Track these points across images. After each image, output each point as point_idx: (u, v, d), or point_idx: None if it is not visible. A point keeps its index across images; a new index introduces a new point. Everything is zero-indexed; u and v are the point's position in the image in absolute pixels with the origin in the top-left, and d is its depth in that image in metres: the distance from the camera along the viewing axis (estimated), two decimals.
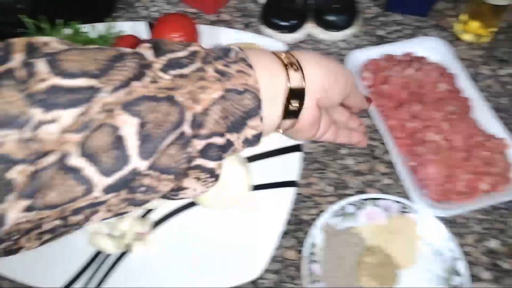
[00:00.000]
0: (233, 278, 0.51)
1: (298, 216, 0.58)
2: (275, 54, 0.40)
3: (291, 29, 0.73)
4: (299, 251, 0.55)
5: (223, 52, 0.37)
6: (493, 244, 0.56)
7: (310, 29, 0.74)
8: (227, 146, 0.36)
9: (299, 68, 0.39)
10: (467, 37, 0.74)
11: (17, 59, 0.28)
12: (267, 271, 0.54)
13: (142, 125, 0.30)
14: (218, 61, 0.35)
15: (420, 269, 0.53)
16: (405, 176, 0.58)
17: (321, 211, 0.57)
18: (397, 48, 0.70)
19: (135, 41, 0.66)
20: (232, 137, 0.36)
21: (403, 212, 0.56)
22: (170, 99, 0.32)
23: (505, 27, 0.76)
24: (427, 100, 0.62)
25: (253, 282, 0.53)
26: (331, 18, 0.72)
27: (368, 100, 0.51)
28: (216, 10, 0.79)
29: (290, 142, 0.59)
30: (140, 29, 0.73)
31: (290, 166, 0.58)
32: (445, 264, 0.53)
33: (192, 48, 0.35)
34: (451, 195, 0.57)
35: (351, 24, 0.73)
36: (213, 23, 0.78)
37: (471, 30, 0.73)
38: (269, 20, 0.73)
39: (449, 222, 0.57)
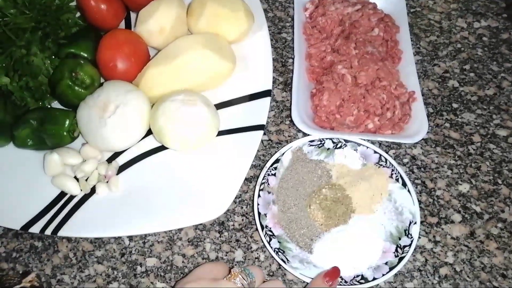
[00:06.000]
0: (196, 218, 0.50)
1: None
2: None
3: None
4: None
5: None
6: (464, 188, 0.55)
7: None
8: None
9: None
10: None
11: None
12: (235, 213, 0.53)
13: None
14: None
15: (375, 221, 0.51)
16: (297, 99, 0.58)
17: None
18: None
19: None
20: None
21: (379, 164, 0.54)
22: None
23: None
24: (356, 39, 0.62)
25: (222, 224, 0.53)
26: None
27: None
28: None
29: (259, 88, 0.58)
30: None
31: (258, 111, 0.57)
32: (401, 224, 0.51)
33: None
34: (336, 125, 0.57)
35: None
36: None
37: None
38: None
39: (421, 168, 0.56)
